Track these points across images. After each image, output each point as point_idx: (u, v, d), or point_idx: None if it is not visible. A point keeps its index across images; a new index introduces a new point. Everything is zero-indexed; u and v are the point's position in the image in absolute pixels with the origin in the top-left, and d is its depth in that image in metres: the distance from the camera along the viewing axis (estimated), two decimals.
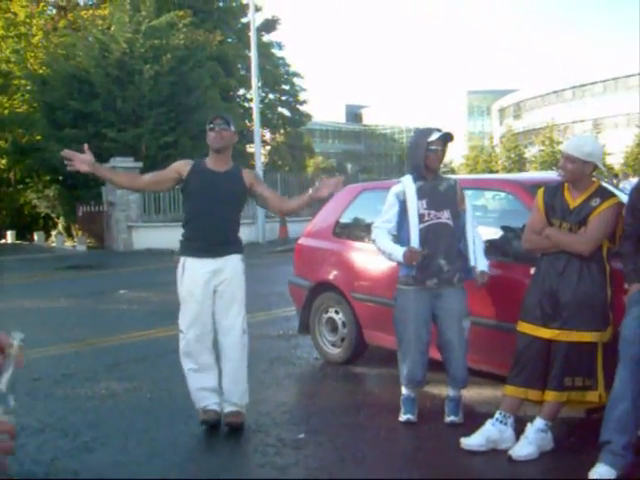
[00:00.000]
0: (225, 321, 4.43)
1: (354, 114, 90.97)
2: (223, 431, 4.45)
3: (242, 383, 4.48)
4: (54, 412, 4.90)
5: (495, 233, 5.09)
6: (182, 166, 4.57)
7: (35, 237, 27.04)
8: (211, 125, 4.50)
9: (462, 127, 66.81)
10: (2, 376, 1.27)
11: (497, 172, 45.32)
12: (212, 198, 4.42)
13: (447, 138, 4.51)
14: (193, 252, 4.45)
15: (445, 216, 4.45)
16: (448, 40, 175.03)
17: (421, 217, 4.43)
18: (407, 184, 4.51)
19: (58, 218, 27.15)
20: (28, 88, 26.04)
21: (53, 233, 27.10)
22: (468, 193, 4.88)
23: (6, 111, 28.78)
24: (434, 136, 4.44)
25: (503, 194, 5.31)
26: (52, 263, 17.20)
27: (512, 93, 71.79)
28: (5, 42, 29.73)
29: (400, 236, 4.51)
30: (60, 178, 24.61)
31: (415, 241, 4.40)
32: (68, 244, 24.00)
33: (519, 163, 48.69)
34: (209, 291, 4.40)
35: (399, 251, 4.38)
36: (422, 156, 4.45)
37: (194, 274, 4.41)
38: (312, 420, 4.67)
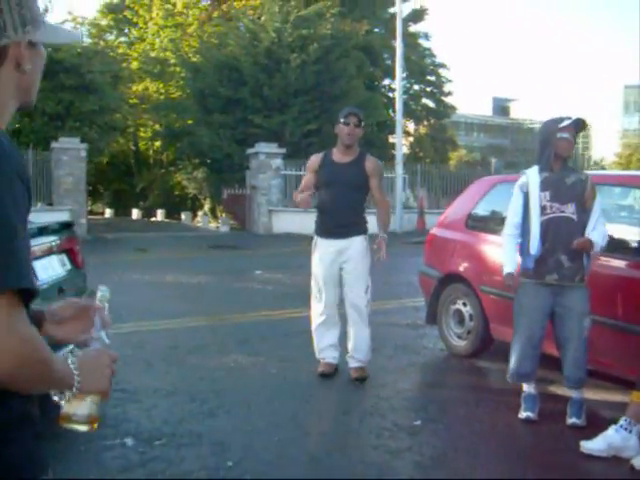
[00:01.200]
0: (350, 294, 5.16)
1: (501, 107, 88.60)
2: (341, 410, 4.56)
3: (365, 344, 5.17)
4: (185, 379, 5.20)
5: (634, 233, 4.86)
6: (314, 163, 5.27)
7: (182, 216, 28.44)
8: (346, 120, 5.09)
9: (616, 123, 63.39)
10: (102, 331, 1.45)
11: None
12: (337, 187, 5.09)
13: (579, 125, 4.34)
14: (322, 233, 5.25)
15: (569, 210, 4.29)
16: (604, 31, 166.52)
17: (543, 209, 4.31)
18: (531, 175, 4.41)
19: (205, 199, 28.46)
20: (182, 75, 27.38)
21: (199, 213, 28.42)
22: (616, 191, 4.70)
23: (162, 96, 30.45)
24: (565, 122, 4.29)
25: None
26: (196, 242, 18.04)
27: None
28: (163, 31, 31.45)
29: (523, 228, 4.42)
30: (208, 161, 25.73)
31: (536, 234, 4.30)
32: (212, 224, 25.06)
33: None
34: (335, 266, 5.16)
35: (506, 269, 4.44)
36: (552, 144, 4.31)
37: (323, 252, 5.19)
38: (430, 408, 4.68)
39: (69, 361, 1.32)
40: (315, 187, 5.29)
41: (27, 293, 1.21)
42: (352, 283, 5.14)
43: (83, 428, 1.38)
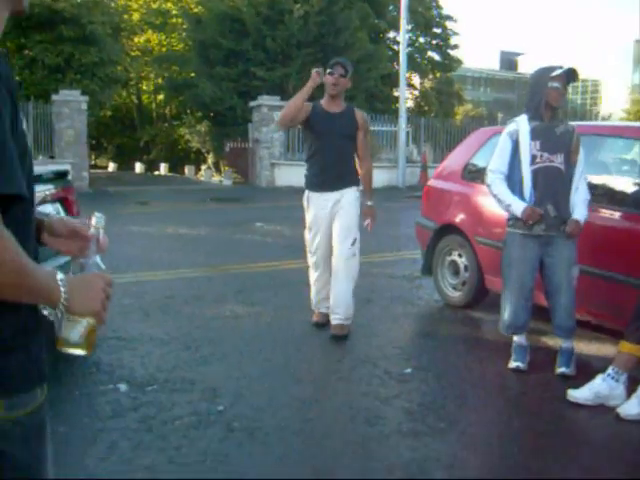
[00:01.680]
0: (338, 244, 5.02)
1: (509, 61, 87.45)
2: (333, 358, 4.61)
3: (346, 299, 5.01)
4: (180, 327, 5.25)
5: (630, 185, 4.83)
6: (306, 106, 5.02)
7: (186, 170, 28.39)
8: (330, 70, 4.98)
9: (626, 79, 62.56)
10: (97, 256, 1.47)
11: None
12: (329, 137, 4.95)
13: (570, 75, 4.27)
14: (315, 187, 5.10)
15: (558, 160, 4.25)
16: None
17: (533, 158, 4.27)
18: (521, 123, 4.35)
19: (208, 153, 28.34)
20: (184, 27, 27.04)
21: (203, 167, 28.35)
22: (619, 143, 4.65)
23: (164, 49, 30.14)
24: (557, 72, 4.23)
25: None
26: (199, 195, 18.03)
27: None
28: None
29: (511, 178, 4.35)
30: (211, 115, 25.57)
31: (527, 183, 4.27)
32: (215, 178, 25.03)
33: None
34: (330, 220, 5.05)
35: (519, 206, 4.25)
36: (543, 93, 4.25)
37: (317, 206, 5.08)
38: (421, 357, 4.72)
39: (57, 277, 1.31)
40: (307, 137, 5.18)
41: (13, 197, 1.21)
42: (340, 233, 5.02)
43: (79, 352, 1.38)
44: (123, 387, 4.02)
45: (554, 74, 4.23)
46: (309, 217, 5.15)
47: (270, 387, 4.09)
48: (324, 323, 5.26)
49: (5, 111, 1.22)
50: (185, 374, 4.23)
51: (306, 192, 5.17)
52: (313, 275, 5.26)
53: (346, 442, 3.39)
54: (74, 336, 1.36)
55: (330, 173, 5.01)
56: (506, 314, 4.46)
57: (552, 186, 4.25)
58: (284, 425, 3.54)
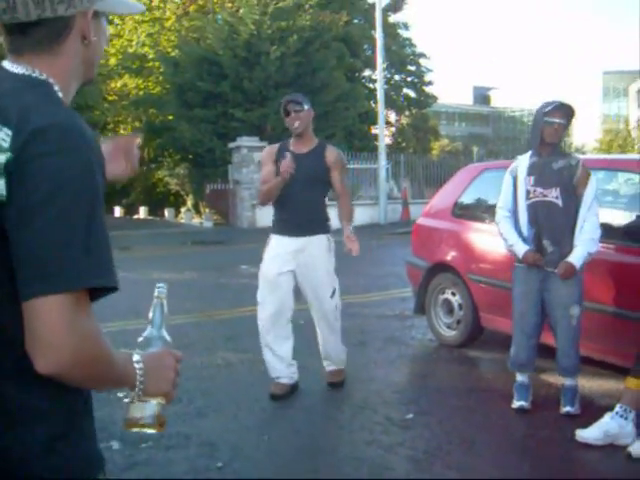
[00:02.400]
0: (315, 301, 4.66)
1: (482, 96, 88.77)
2: (332, 406, 4.48)
3: (335, 351, 4.80)
4: None
5: (625, 217, 4.81)
6: (270, 154, 4.72)
7: (166, 213, 28.22)
8: (285, 110, 4.63)
9: (596, 110, 63.76)
10: (164, 329, 1.44)
11: None
12: (296, 181, 4.45)
13: (565, 110, 4.25)
14: (279, 231, 4.68)
15: (553, 194, 4.22)
16: (582, 18, 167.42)
17: (527, 193, 4.29)
18: (522, 160, 4.41)
19: (187, 195, 28.22)
20: (161, 70, 27.13)
21: (182, 210, 28.20)
22: (599, 175, 4.62)
23: (141, 92, 30.17)
24: (548, 107, 4.23)
25: (636, 176, 4.98)
26: (180, 238, 17.89)
27: None
28: (141, 26, 31.11)
29: (513, 214, 4.39)
30: (190, 157, 25.53)
31: (524, 218, 4.30)
32: (196, 220, 24.90)
33: None
34: (288, 268, 4.57)
35: (521, 249, 4.27)
36: (539, 129, 4.26)
37: (276, 252, 4.61)
38: (422, 401, 4.61)
39: (134, 359, 1.28)
40: None
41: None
42: (315, 288, 4.59)
43: (152, 430, 1.35)
44: (116, 445, 3.85)
45: (546, 110, 4.23)
46: (265, 263, 4.63)
47: (270, 439, 3.94)
48: (284, 394, 4.60)
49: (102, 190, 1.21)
50: (180, 428, 4.07)
51: (270, 236, 4.74)
52: (263, 334, 4.68)
53: None
54: (147, 415, 1.33)
55: (295, 220, 4.58)
56: (511, 351, 4.44)
57: (547, 221, 4.23)
58: None
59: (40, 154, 1.14)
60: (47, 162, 1.13)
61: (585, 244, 4.17)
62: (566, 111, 4.28)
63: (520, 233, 4.33)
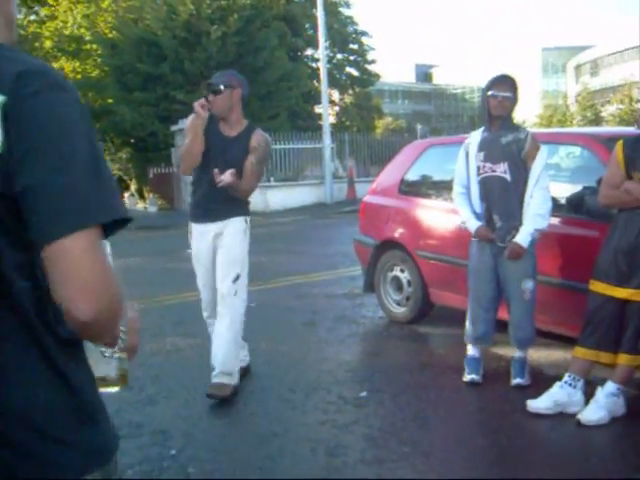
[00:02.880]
0: (218, 283, 4.29)
1: (424, 74, 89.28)
2: (284, 387, 4.44)
3: (225, 349, 4.22)
4: None
5: (568, 189, 4.87)
6: (200, 126, 4.18)
7: None
8: (205, 94, 4.22)
9: (536, 85, 64.84)
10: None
11: None
12: (216, 164, 4.13)
13: (508, 82, 4.26)
14: (196, 218, 4.42)
15: (500, 169, 4.25)
16: None
17: (478, 169, 4.33)
18: (474, 136, 4.44)
19: (131, 180, 27.77)
20: (99, 52, 26.48)
21: (126, 195, 27.74)
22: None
23: (79, 76, 29.38)
24: (492, 80, 4.27)
25: (577, 149, 5.05)
26: None
27: (589, 49, 68.89)
28: (76, 7, 30.25)
29: (467, 189, 4.43)
30: (131, 141, 25.06)
31: (475, 194, 4.35)
32: (140, 205, 24.53)
33: (595, 122, 46.94)
34: (212, 254, 4.34)
35: (473, 225, 4.35)
36: (485, 104, 4.29)
37: (198, 239, 4.39)
38: (374, 379, 4.61)
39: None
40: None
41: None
42: (220, 269, 4.27)
43: (115, 388, 1.32)
44: None
45: (489, 84, 4.26)
46: (193, 254, 4.46)
47: (222, 424, 3.90)
48: (224, 396, 4.17)
49: None
50: (131, 417, 3.99)
51: (189, 224, 4.49)
52: (209, 324, 4.57)
53: (311, 476, 3.23)
54: (112, 373, 1.29)
55: (212, 203, 4.27)
56: (467, 325, 4.49)
57: (496, 196, 4.26)
58: (243, 465, 3.36)
59: (31, 94, 1.09)
60: (40, 101, 1.09)
61: (531, 221, 4.19)
62: (509, 83, 4.29)
63: (473, 209, 4.37)
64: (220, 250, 4.31)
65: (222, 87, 4.22)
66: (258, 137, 4.31)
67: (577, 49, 72.43)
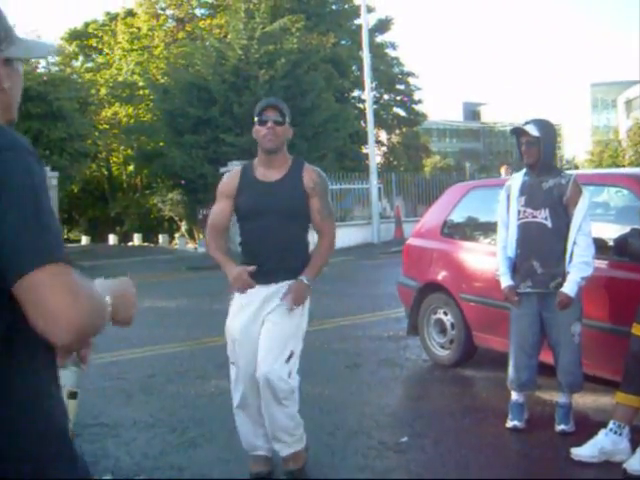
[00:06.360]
0: (262, 361, 3.52)
1: (472, 112, 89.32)
2: (325, 431, 4.44)
3: (284, 429, 3.59)
4: (165, 408, 5.06)
5: (613, 231, 4.81)
6: (229, 185, 3.76)
7: (160, 239, 28.17)
8: (261, 118, 3.60)
9: (586, 121, 64.14)
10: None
11: (623, 167, 43.14)
12: (265, 217, 3.59)
13: (536, 125, 4.27)
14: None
15: (542, 215, 4.24)
16: (570, 31, 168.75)
17: (518, 214, 4.32)
18: (516, 178, 4.48)
19: (181, 221, 28.22)
20: (151, 97, 27.24)
21: (176, 235, 28.20)
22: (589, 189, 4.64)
23: (132, 120, 30.26)
24: (515, 129, 4.36)
25: (622, 190, 5.00)
26: (174, 264, 17.85)
27: (639, 84, 68.02)
28: (130, 55, 31.32)
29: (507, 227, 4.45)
30: (182, 182, 25.56)
31: (513, 237, 4.34)
32: (190, 246, 24.87)
33: None
34: (259, 322, 3.61)
35: (503, 282, 4.37)
36: (519, 150, 4.32)
37: (244, 301, 3.65)
38: (416, 423, 4.58)
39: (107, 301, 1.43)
40: (237, 217, 3.79)
41: None
42: (267, 345, 3.52)
43: (74, 368, 1.46)
44: (109, 478, 3.82)
45: (513, 132, 4.39)
46: (231, 314, 3.75)
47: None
48: (266, 472, 3.73)
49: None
50: (173, 460, 4.04)
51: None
52: (235, 398, 3.71)
53: None
54: (73, 386, 1.46)
55: (266, 265, 3.58)
56: (509, 370, 4.43)
57: (537, 242, 4.24)
58: None
59: None
60: None
61: (577, 269, 4.14)
62: (538, 126, 4.29)
63: (507, 254, 4.38)
64: (271, 317, 3.63)
65: (287, 119, 3.67)
66: (311, 173, 3.68)
67: (626, 84, 71.57)
